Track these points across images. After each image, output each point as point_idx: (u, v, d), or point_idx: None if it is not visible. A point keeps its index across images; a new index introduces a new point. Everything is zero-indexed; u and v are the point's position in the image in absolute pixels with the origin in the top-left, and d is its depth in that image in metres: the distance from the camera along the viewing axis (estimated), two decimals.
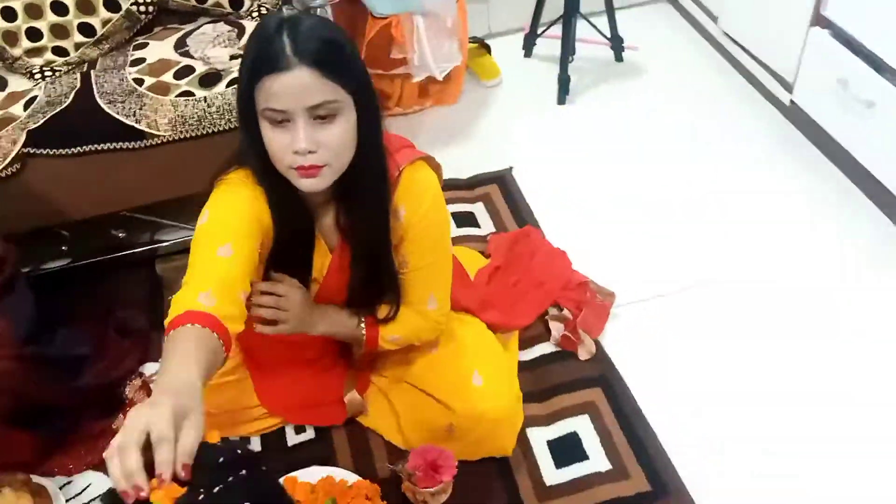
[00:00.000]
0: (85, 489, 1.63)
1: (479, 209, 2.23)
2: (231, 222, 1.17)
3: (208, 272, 1.08)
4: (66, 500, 1.60)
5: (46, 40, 1.95)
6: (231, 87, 1.80)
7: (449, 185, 2.27)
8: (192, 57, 1.92)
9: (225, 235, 1.14)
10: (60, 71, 1.95)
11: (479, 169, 2.36)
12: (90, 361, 1.51)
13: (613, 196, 2.25)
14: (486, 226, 2.17)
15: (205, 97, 1.79)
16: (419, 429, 1.56)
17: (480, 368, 1.50)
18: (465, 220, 2.18)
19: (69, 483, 1.64)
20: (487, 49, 2.83)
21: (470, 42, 2.78)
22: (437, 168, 1.35)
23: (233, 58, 1.89)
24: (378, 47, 2.35)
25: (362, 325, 1.42)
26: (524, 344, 1.82)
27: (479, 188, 2.30)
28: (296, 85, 1.03)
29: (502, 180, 2.32)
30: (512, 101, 2.69)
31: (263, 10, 2.06)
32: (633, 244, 2.08)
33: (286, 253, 1.28)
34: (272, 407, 1.62)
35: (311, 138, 1.08)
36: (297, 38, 1.04)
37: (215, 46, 1.94)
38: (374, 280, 1.34)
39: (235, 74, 1.84)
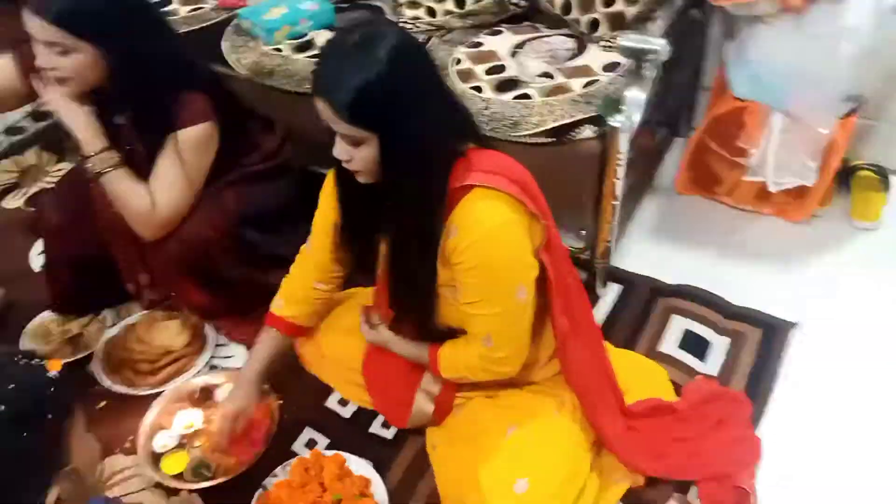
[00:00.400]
0: (229, 357, 1.91)
1: (718, 342, 1.90)
2: (317, 218, 1.48)
3: (291, 272, 1.63)
4: (212, 356, 1.89)
5: None
6: (518, 101, 1.80)
7: (706, 300, 1.98)
8: (513, 58, 1.95)
9: (313, 229, 1.52)
10: (419, 29, 2.15)
11: (759, 303, 1.99)
12: (285, 264, 1.72)
13: None
14: (712, 365, 1.84)
15: (489, 99, 1.82)
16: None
17: (533, 475, 1.35)
18: (694, 342, 1.88)
19: (223, 345, 1.94)
20: (885, 185, 2.30)
21: (867, 168, 2.30)
22: (518, 209, 1.27)
23: (541, 75, 1.88)
24: (726, 124, 2.09)
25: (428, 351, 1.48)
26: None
27: (738, 322, 1.94)
28: (321, 110, 1.16)
29: (772, 331, 1.92)
30: (865, 253, 2.17)
31: (609, 41, 1.98)
32: None
33: (349, 244, 1.44)
34: (365, 377, 1.66)
35: (345, 151, 1.20)
36: (321, 75, 1.15)
37: (538, 57, 1.94)
38: (409, 284, 1.35)
39: (531, 89, 1.83)
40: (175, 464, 1.63)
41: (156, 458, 1.64)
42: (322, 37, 2.11)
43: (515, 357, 1.42)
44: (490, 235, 1.24)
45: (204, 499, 1.56)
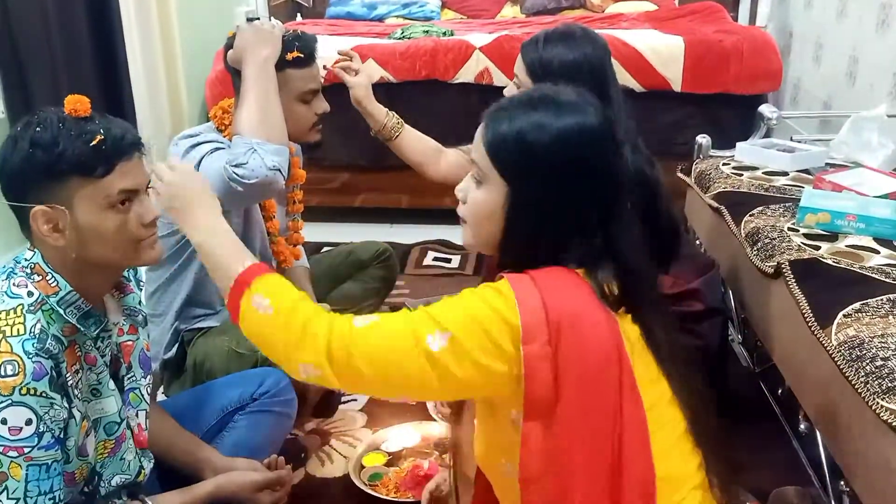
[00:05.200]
0: None
1: None
2: None
3: None
4: None
5: None
6: None
7: None
8: None
9: None
10: None
11: None
12: None
13: None
14: None
15: None
16: None
17: None
18: None
19: None
20: None
21: None
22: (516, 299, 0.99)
23: None
24: None
25: (245, 265, 1.09)
26: None
27: None
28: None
29: None
30: None
31: None
32: None
33: None
34: None
35: (465, 188, 1.10)
36: (492, 113, 1.08)
37: None
38: None
39: None
40: (372, 459, 1.75)
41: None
42: None
43: (351, 378, 1.01)
44: (495, 288, 1.01)
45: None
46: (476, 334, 0.97)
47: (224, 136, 1.74)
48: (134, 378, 1.30)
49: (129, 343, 1.29)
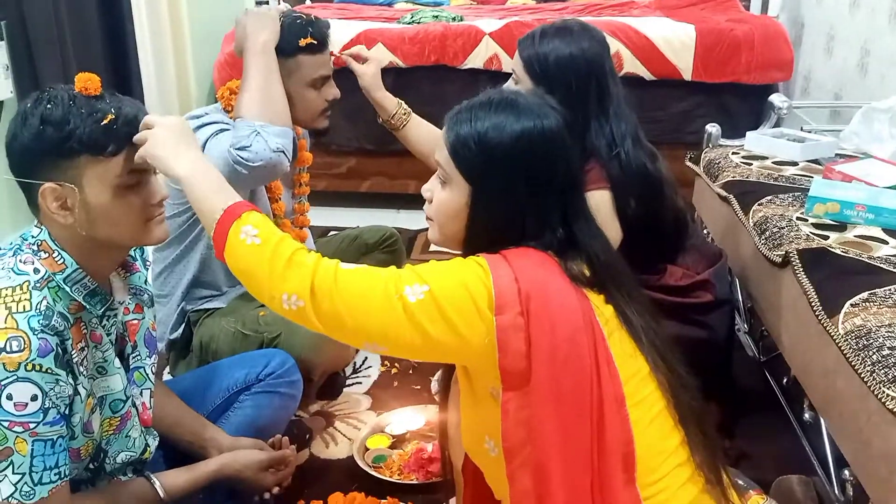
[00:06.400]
0: None
1: None
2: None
3: None
4: None
5: None
6: None
7: None
8: None
9: None
10: None
11: None
12: None
13: None
14: None
15: None
16: None
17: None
18: None
19: None
20: None
21: None
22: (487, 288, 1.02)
23: None
24: None
25: (235, 199, 1.09)
26: None
27: None
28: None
29: None
30: None
31: None
32: None
33: None
34: None
35: (431, 188, 1.15)
36: (453, 116, 1.12)
37: None
38: None
39: None
40: (376, 441, 1.77)
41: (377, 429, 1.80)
42: None
43: (329, 317, 1.02)
44: (475, 261, 1.05)
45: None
46: (455, 294, 1.00)
47: (230, 118, 1.74)
48: (139, 357, 1.31)
49: (135, 322, 1.30)
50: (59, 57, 2.52)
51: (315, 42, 1.73)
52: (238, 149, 1.54)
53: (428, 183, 1.16)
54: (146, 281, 1.35)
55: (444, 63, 3.12)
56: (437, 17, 3.49)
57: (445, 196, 1.11)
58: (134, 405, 1.28)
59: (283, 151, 1.59)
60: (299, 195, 2.00)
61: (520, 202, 1.08)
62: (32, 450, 1.07)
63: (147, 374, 1.32)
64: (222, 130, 1.64)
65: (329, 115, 1.84)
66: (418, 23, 3.39)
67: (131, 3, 2.94)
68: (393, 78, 3.13)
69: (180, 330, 1.83)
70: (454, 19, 3.44)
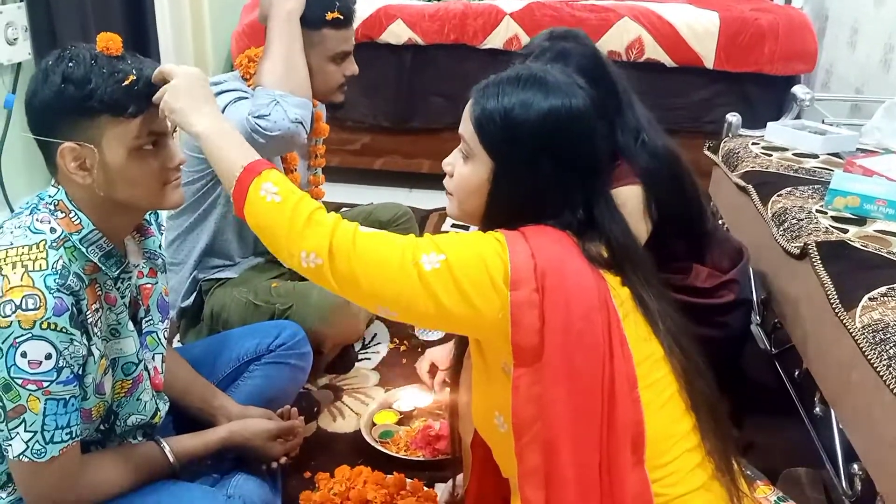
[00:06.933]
0: None
1: None
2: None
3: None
4: None
5: None
6: None
7: None
8: None
9: None
10: None
11: None
12: None
13: None
14: None
15: None
16: None
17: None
18: None
19: None
20: None
21: None
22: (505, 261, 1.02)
23: None
24: None
25: (255, 156, 1.10)
26: None
27: None
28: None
29: None
30: None
31: None
32: None
33: None
34: None
35: (452, 162, 1.14)
36: (480, 90, 1.10)
37: None
38: None
39: None
40: (384, 417, 1.77)
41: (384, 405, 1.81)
42: None
43: (345, 278, 1.01)
44: (493, 235, 1.05)
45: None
46: (471, 266, 1.00)
47: (248, 86, 1.73)
48: (152, 321, 1.30)
49: (149, 286, 1.30)
50: (77, 22, 2.51)
51: (341, 17, 1.72)
52: (256, 117, 1.53)
53: (450, 157, 1.15)
54: (160, 246, 1.35)
55: (463, 42, 3.09)
56: None
57: (467, 171, 1.10)
58: (146, 369, 1.28)
59: (302, 122, 1.58)
60: (315, 167, 1.99)
61: (542, 180, 1.06)
62: (45, 408, 1.07)
63: (159, 339, 1.32)
64: (241, 98, 1.63)
65: (345, 90, 1.83)
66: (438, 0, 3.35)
67: None
68: (411, 55, 3.11)
69: (192, 299, 1.84)
70: None
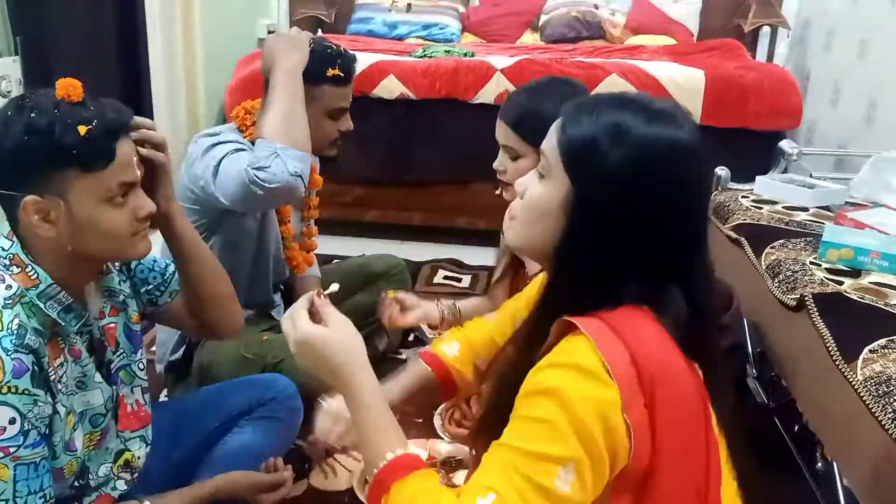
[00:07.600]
0: None
1: None
2: (512, 302, 1.38)
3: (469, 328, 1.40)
4: None
5: None
6: None
7: None
8: None
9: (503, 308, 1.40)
10: None
11: None
12: None
13: None
14: None
15: None
16: None
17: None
18: None
19: None
20: None
21: None
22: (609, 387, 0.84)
23: None
24: None
25: (387, 459, 0.93)
26: None
27: None
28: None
29: None
30: None
31: None
32: None
33: None
34: None
35: (526, 182, 1.00)
36: (573, 106, 0.96)
37: None
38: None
39: None
40: None
41: None
42: None
43: None
44: (577, 367, 0.86)
45: None
46: (596, 445, 0.83)
47: (245, 137, 1.73)
48: (123, 354, 1.26)
49: (112, 325, 1.25)
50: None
51: (342, 75, 1.74)
52: (256, 168, 1.53)
53: (524, 177, 1.00)
54: (119, 282, 1.29)
55: (454, 97, 3.13)
56: (448, 52, 3.52)
57: (540, 190, 0.95)
58: (115, 416, 1.24)
59: (301, 176, 1.58)
60: (308, 218, 1.98)
61: (628, 219, 0.89)
62: (15, 475, 1.03)
63: (135, 372, 1.28)
64: (239, 150, 1.63)
65: (339, 144, 1.84)
66: (430, 57, 3.41)
67: (146, 27, 2.96)
68: (404, 109, 3.14)
69: (180, 352, 1.80)
70: (466, 55, 3.47)
